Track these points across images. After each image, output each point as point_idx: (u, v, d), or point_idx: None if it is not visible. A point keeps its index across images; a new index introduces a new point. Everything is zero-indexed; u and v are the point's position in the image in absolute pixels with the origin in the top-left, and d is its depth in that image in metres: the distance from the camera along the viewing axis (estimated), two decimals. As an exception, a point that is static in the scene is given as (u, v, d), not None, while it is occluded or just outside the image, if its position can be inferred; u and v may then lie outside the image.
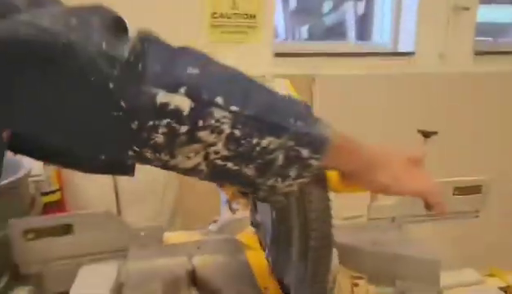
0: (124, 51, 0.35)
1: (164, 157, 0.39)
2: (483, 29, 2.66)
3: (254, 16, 1.90)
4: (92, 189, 1.82)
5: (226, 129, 0.38)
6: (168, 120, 0.36)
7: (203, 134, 0.38)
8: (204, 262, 0.76)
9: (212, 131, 0.38)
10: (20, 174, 1.37)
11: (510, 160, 2.16)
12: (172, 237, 0.83)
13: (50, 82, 0.35)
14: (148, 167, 0.43)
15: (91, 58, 0.34)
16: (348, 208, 0.90)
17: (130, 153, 0.39)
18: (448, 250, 1.59)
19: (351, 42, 2.38)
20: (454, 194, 0.93)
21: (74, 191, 1.79)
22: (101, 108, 0.36)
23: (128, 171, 0.59)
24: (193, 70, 0.38)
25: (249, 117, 0.39)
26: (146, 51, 0.37)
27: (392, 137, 1.91)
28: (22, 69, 0.34)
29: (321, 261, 0.53)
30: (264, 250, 0.77)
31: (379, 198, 0.95)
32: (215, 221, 0.93)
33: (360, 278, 0.84)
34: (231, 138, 0.39)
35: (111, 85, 0.34)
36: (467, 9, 2.15)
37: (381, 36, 2.39)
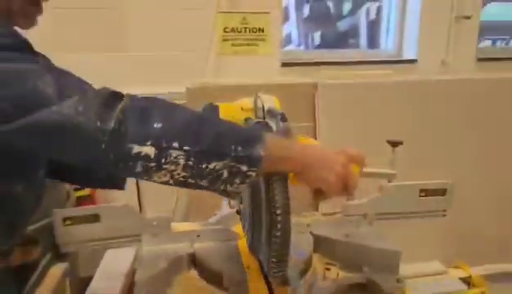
0: (112, 121, 0.56)
1: (145, 178, 0.61)
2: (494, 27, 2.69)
3: (263, 30, 2.06)
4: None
5: (182, 161, 0.58)
6: (141, 161, 0.57)
7: (166, 166, 0.58)
8: (202, 247, 0.94)
9: (172, 164, 0.58)
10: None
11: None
12: (178, 226, 1.02)
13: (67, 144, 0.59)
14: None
15: (90, 131, 0.56)
16: (325, 206, 1.05)
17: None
18: (422, 245, 1.72)
19: (355, 50, 2.50)
20: (420, 196, 1.07)
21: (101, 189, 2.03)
22: (98, 158, 0.58)
23: (120, 187, 0.87)
24: (157, 125, 0.58)
25: (198, 151, 0.58)
26: (125, 118, 0.57)
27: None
28: (50, 140, 0.58)
29: (282, 246, 0.70)
30: (244, 233, 0.94)
31: (355, 197, 1.10)
32: (215, 215, 1.11)
33: (332, 264, 0.99)
34: (186, 166, 0.58)
35: (103, 146, 0.56)
36: (468, 18, 2.23)
37: (387, 43, 2.50)
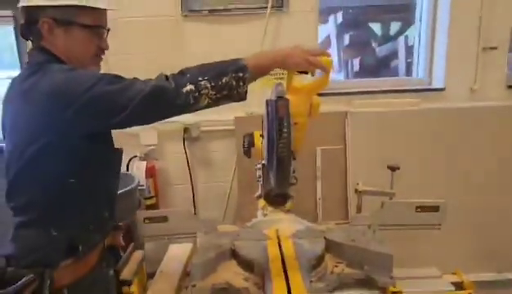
0: (172, 83, 0.98)
1: (196, 106, 1.00)
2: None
3: (300, 65, 2.37)
4: (175, 196, 2.48)
5: (208, 85, 0.98)
6: (190, 94, 0.97)
7: (203, 91, 0.98)
8: (240, 243, 1.26)
9: (204, 88, 0.98)
10: (133, 185, 2.03)
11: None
12: (223, 227, 1.35)
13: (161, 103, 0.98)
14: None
15: (169, 90, 0.97)
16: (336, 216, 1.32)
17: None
18: (424, 253, 1.89)
19: (386, 79, 2.69)
20: (416, 211, 1.30)
21: (163, 197, 2.44)
22: (176, 105, 0.98)
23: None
24: (188, 75, 1.00)
25: (213, 76, 0.99)
26: (176, 78, 0.99)
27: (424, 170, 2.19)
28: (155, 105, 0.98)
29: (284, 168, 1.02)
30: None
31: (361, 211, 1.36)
32: (251, 221, 1.42)
33: (340, 262, 1.26)
34: (212, 87, 0.99)
35: (176, 98, 0.97)
36: (495, 48, 2.37)
37: (418, 71, 2.68)
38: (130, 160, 2.42)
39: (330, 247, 1.28)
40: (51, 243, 1.02)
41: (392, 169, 1.37)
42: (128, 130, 2.49)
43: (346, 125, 2.24)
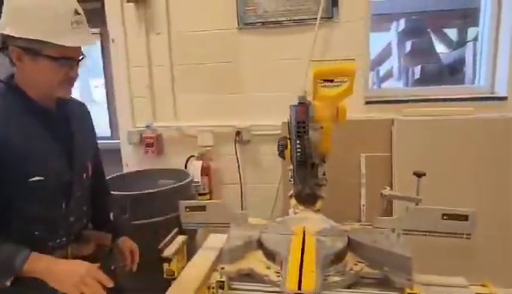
0: None
1: None
2: None
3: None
4: (227, 194, 2.66)
5: None
6: None
7: None
8: (267, 236, 1.37)
9: None
10: (188, 179, 2.25)
11: None
12: (253, 220, 1.47)
13: None
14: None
15: None
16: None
17: None
18: (451, 264, 1.78)
19: (441, 88, 2.59)
20: (443, 219, 1.28)
21: (217, 194, 2.64)
22: None
23: None
24: None
25: None
26: None
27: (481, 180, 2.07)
28: None
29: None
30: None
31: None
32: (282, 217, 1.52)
33: (361, 262, 1.30)
34: None
35: None
36: None
37: (479, 80, 2.54)
38: (188, 159, 2.66)
39: (353, 246, 1.33)
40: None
41: (418, 175, 1.37)
42: (186, 132, 2.76)
43: (392, 132, 2.22)
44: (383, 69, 4.09)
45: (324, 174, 1.50)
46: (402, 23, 3.82)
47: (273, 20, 2.42)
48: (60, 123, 1.24)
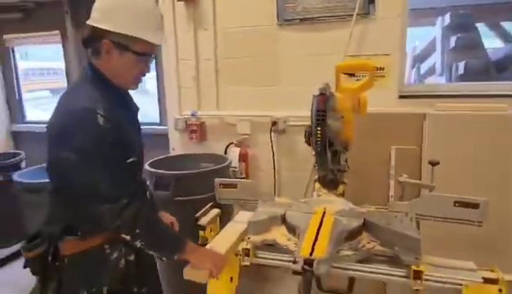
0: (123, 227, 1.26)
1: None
2: None
3: (383, 68, 2.47)
4: (263, 180, 2.84)
5: (140, 244, 1.26)
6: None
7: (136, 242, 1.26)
8: (291, 213, 1.53)
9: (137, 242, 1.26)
10: (225, 163, 2.45)
11: None
12: (280, 199, 1.63)
13: None
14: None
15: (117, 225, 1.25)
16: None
17: None
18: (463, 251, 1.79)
19: (478, 84, 2.55)
20: (455, 206, 1.36)
21: (253, 179, 2.83)
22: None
23: None
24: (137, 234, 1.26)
25: (147, 244, 1.27)
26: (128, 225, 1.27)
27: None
28: None
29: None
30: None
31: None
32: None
33: (374, 241, 1.41)
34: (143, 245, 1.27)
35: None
36: None
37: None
38: (228, 146, 2.87)
39: (368, 227, 1.44)
40: (57, 221, 1.30)
41: (433, 164, 1.45)
42: (227, 120, 2.96)
43: (424, 126, 2.27)
44: (428, 64, 4.03)
45: (346, 161, 1.62)
46: (448, 17, 3.73)
47: (311, 16, 2.53)
48: (132, 110, 1.45)
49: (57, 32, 3.50)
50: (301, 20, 2.56)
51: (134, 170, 1.34)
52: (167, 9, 2.84)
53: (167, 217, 1.64)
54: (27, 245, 1.30)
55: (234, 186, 1.64)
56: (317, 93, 1.33)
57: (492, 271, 1.34)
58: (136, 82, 1.33)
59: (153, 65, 3.51)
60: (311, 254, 1.20)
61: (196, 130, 2.90)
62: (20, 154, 3.34)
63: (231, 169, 2.69)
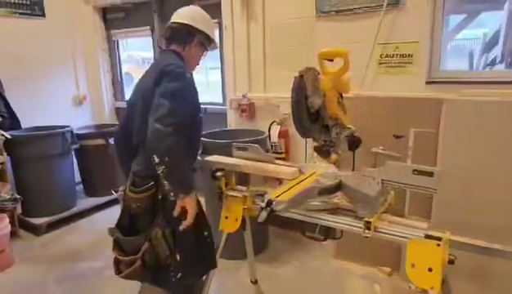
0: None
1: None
2: None
3: (411, 55, 2.58)
4: (299, 154, 3.18)
5: (163, 169, 1.52)
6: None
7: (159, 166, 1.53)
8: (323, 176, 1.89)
9: (160, 166, 1.52)
10: (263, 136, 2.88)
11: None
12: (280, 162, 2.00)
13: None
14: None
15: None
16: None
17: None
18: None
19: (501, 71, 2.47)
20: (413, 174, 1.56)
21: (292, 154, 3.19)
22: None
23: None
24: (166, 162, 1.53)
25: (166, 175, 1.54)
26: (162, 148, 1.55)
27: None
28: None
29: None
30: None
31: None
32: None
33: (346, 198, 1.70)
34: (163, 171, 1.53)
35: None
36: None
37: None
38: (271, 123, 3.28)
39: (343, 187, 1.74)
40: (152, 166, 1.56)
41: (397, 137, 1.65)
42: (272, 102, 3.35)
43: (442, 110, 2.36)
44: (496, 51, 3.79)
45: (337, 134, 1.90)
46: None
47: (345, 8, 2.75)
48: None
49: (148, 27, 4.27)
50: (336, 11, 2.80)
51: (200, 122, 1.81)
52: (227, 4, 3.32)
53: None
54: (136, 188, 1.66)
55: (245, 149, 2.06)
56: (297, 75, 1.67)
57: (442, 232, 1.54)
58: (196, 66, 1.90)
59: (218, 55, 4.10)
60: (276, 197, 1.57)
61: (246, 109, 3.36)
62: (117, 125, 4.22)
63: (271, 143, 3.11)
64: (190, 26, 1.80)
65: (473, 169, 2.24)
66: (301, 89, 1.63)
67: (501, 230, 2.13)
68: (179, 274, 1.70)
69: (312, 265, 2.85)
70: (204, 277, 1.98)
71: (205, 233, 1.86)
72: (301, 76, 1.64)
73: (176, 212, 1.63)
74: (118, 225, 1.73)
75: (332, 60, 1.65)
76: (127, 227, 1.71)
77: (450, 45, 3.63)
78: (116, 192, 1.90)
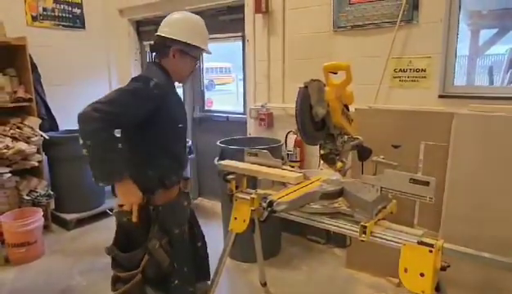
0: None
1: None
2: None
3: (424, 70, 2.63)
4: (314, 162, 3.27)
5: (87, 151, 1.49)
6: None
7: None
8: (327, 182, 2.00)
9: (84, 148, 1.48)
10: (277, 145, 3.00)
11: None
12: (288, 167, 2.12)
13: None
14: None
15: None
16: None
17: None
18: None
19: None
20: (410, 182, 1.63)
21: (306, 162, 3.29)
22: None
23: None
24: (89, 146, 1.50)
25: (93, 157, 1.53)
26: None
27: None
28: None
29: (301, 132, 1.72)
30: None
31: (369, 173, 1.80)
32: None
33: (346, 204, 1.79)
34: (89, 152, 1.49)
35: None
36: None
37: None
38: (288, 133, 3.40)
39: (344, 193, 1.83)
40: (149, 179, 1.66)
41: (395, 147, 1.72)
42: (289, 112, 3.45)
43: (452, 124, 2.40)
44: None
45: (342, 143, 2.00)
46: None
47: (360, 23, 2.85)
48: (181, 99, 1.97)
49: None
50: (352, 26, 2.90)
51: (181, 133, 1.84)
52: (249, 19, 3.50)
53: None
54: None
55: (255, 155, 2.20)
56: (302, 86, 1.79)
57: (436, 240, 1.60)
58: (188, 77, 1.81)
59: (240, 66, 4.28)
60: (278, 199, 1.69)
61: (265, 118, 3.50)
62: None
63: (287, 152, 3.22)
64: (163, 37, 1.70)
65: (483, 182, 2.26)
66: (305, 98, 1.75)
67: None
68: (176, 281, 1.77)
69: (321, 272, 2.91)
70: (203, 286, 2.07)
71: (198, 244, 1.99)
72: (306, 87, 1.75)
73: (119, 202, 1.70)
74: (115, 243, 1.78)
75: (336, 73, 1.76)
76: (124, 243, 1.75)
77: (479, 61, 3.63)
78: (111, 211, 2.02)
